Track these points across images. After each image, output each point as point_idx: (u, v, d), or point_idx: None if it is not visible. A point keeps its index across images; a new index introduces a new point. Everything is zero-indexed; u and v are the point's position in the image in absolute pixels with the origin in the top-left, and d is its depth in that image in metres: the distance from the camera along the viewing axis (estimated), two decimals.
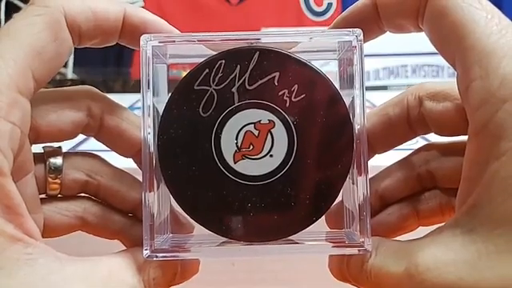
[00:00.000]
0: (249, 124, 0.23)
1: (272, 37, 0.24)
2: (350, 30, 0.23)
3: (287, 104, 0.23)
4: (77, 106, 0.24)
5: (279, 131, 0.23)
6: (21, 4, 0.80)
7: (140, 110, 0.23)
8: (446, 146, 0.25)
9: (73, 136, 0.24)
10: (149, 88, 0.23)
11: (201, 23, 0.83)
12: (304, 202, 0.23)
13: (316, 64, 0.24)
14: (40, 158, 0.24)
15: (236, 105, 0.23)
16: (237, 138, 0.23)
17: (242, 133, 0.23)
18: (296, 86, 0.23)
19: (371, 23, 0.24)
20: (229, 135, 0.23)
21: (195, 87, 0.23)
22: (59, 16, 0.22)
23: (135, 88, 0.78)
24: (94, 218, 0.25)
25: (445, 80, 0.79)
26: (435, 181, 0.25)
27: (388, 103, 0.25)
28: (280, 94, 0.23)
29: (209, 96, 0.23)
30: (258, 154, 0.23)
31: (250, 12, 0.83)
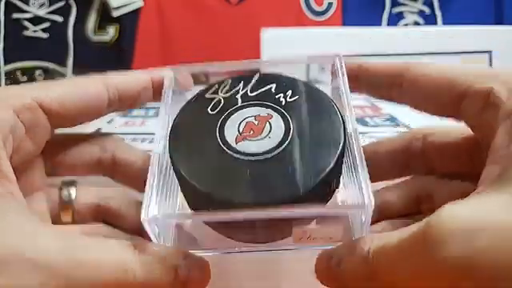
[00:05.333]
0: (250, 117, 0.27)
1: (271, 66, 0.30)
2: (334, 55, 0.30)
3: (283, 103, 0.27)
4: (93, 144, 0.27)
5: (277, 121, 0.26)
6: (21, 4, 0.80)
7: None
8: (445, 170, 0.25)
9: (88, 173, 0.26)
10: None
11: (201, 23, 0.82)
12: (298, 174, 0.25)
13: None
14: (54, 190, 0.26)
15: (239, 105, 0.27)
16: (239, 126, 0.27)
17: (244, 122, 0.27)
18: (290, 91, 0.27)
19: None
20: (232, 125, 0.27)
21: (206, 96, 0.28)
22: (99, 79, 0.25)
23: None
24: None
25: None
26: (433, 203, 0.25)
27: (390, 139, 0.26)
28: (277, 97, 0.27)
29: (217, 101, 0.27)
30: (257, 136, 0.26)
31: (250, 12, 0.83)
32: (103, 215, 0.27)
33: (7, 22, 0.79)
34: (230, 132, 0.26)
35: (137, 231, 0.27)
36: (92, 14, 0.80)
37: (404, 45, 0.87)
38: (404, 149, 0.27)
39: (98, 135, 0.28)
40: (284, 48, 0.84)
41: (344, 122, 0.26)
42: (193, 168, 0.25)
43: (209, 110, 0.27)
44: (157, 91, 0.28)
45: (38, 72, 0.78)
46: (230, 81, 0.29)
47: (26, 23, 0.80)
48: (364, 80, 0.28)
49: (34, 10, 0.80)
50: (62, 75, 0.86)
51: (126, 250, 0.21)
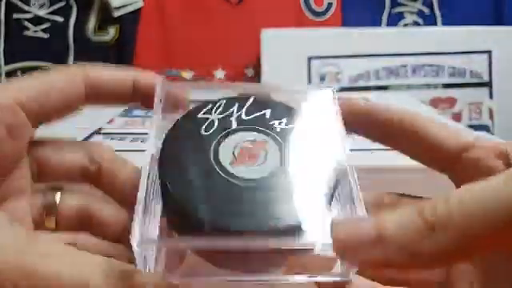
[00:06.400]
0: (245, 141, 0.26)
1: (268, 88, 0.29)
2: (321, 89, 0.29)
3: (278, 130, 0.27)
4: (81, 150, 0.26)
5: (272, 147, 0.26)
6: (21, 4, 0.80)
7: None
8: None
9: (73, 178, 0.26)
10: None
11: (201, 23, 0.83)
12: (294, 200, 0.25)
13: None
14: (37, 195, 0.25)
15: (234, 128, 0.26)
16: (234, 151, 0.26)
17: (239, 147, 0.26)
18: (285, 118, 0.27)
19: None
20: (227, 149, 0.26)
21: (198, 116, 0.27)
22: (77, 72, 0.24)
23: None
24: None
25: (445, 79, 0.79)
26: None
27: None
28: (271, 123, 0.27)
29: (210, 121, 0.27)
30: (253, 163, 0.25)
31: (249, 12, 0.83)
32: (88, 223, 0.26)
33: (8, 23, 0.79)
34: (225, 156, 0.25)
35: (120, 239, 0.26)
36: (92, 15, 0.81)
37: (403, 45, 0.87)
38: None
39: (86, 143, 0.27)
40: (284, 48, 0.84)
41: (338, 156, 0.25)
42: (186, 193, 0.24)
43: (202, 131, 0.26)
44: (144, 95, 0.26)
45: None
46: (224, 101, 0.28)
47: (27, 23, 0.80)
48: (364, 123, 0.27)
49: (35, 10, 0.80)
50: None
51: (93, 269, 0.20)
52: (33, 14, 0.80)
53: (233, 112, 0.27)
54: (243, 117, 0.27)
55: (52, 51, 0.79)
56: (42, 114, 0.23)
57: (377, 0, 0.83)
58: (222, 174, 0.25)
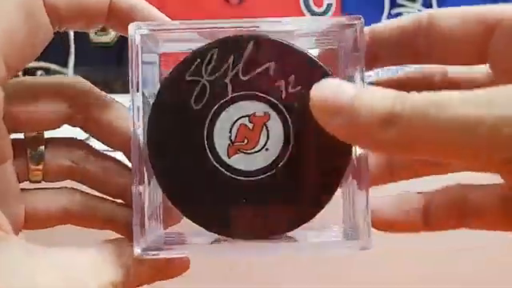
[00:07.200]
0: (243, 117, 0.22)
1: (270, 24, 0.23)
2: (351, 16, 0.22)
3: (283, 95, 0.22)
4: (59, 96, 0.23)
5: (275, 124, 0.22)
6: None
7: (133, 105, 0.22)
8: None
9: (56, 126, 0.24)
10: (138, 79, 0.22)
11: None
12: (301, 198, 0.22)
13: (314, 53, 0.23)
14: (21, 146, 0.23)
15: (230, 97, 0.22)
16: (230, 132, 0.22)
17: (236, 126, 0.22)
18: (293, 76, 0.22)
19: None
20: (222, 129, 0.22)
21: (186, 78, 0.22)
22: (35, 2, 0.20)
23: None
24: (79, 208, 0.24)
25: None
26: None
27: (399, 21, 0.24)
28: (276, 84, 0.22)
29: (201, 87, 0.22)
30: (252, 148, 0.22)
31: (249, 12, 0.83)
32: (79, 179, 0.25)
33: None
34: (221, 139, 0.22)
35: (120, 196, 0.25)
36: None
37: None
38: (405, 35, 0.24)
39: (64, 85, 0.23)
40: None
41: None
42: (179, 192, 0.22)
43: (192, 103, 0.22)
44: (120, 17, 0.22)
45: (39, 72, 0.78)
46: (216, 51, 0.22)
47: None
48: (382, 50, 0.23)
49: None
50: (63, 75, 0.86)
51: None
52: None
53: (228, 69, 0.22)
54: (240, 76, 0.22)
55: (53, 52, 0.79)
56: (14, 68, 0.20)
57: (376, 1, 0.84)
58: (220, 168, 0.22)
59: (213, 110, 0.22)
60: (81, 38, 0.80)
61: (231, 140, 0.22)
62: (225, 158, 0.22)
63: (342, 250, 0.22)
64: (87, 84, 0.24)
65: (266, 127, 0.22)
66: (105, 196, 0.25)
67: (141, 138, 0.22)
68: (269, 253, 0.22)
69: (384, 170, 0.25)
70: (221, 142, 0.22)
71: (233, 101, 0.22)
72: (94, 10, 0.22)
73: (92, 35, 0.81)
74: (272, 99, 0.22)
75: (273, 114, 0.22)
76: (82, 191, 0.25)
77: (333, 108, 0.18)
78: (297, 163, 0.22)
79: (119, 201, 0.25)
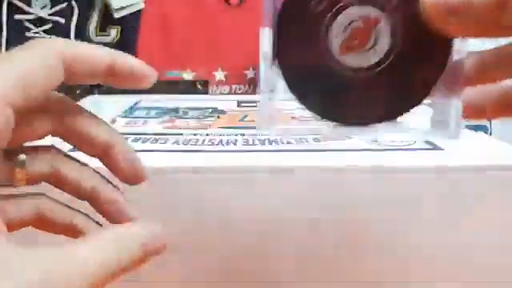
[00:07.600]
0: (356, 20, 0.26)
1: None
2: None
3: (392, 2, 0.25)
4: (47, 118, 0.24)
5: (383, 27, 0.26)
6: (22, 5, 0.80)
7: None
8: None
9: (39, 139, 0.25)
10: None
11: (201, 24, 0.83)
12: (404, 90, 0.26)
13: None
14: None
15: (345, 2, 0.26)
16: (344, 32, 0.26)
17: (350, 27, 0.26)
18: None
19: None
20: (337, 28, 0.26)
21: None
22: (55, 56, 0.22)
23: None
24: (49, 213, 0.25)
25: None
26: None
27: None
28: None
29: None
30: (363, 47, 0.26)
31: (249, 13, 0.83)
32: (56, 180, 0.25)
33: (9, 24, 0.80)
34: (335, 37, 0.26)
35: (88, 197, 0.26)
36: (94, 16, 0.81)
37: None
38: None
39: (54, 105, 0.25)
40: None
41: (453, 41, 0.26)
42: (298, 83, 0.26)
43: (311, 7, 0.25)
44: (118, 76, 0.25)
45: None
46: None
47: (29, 24, 0.80)
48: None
49: (37, 11, 0.80)
50: None
51: None
52: (34, 15, 0.80)
53: None
54: None
55: None
56: (24, 108, 0.22)
57: None
58: (335, 64, 0.26)
59: (330, 13, 0.26)
60: (81, 38, 0.80)
61: (345, 39, 0.26)
62: (337, 56, 0.26)
63: (433, 137, 0.28)
64: (70, 100, 0.25)
65: (376, 29, 0.26)
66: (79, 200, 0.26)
67: (268, 46, 0.26)
68: (371, 135, 0.29)
69: (478, 70, 0.27)
70: (336, 41, 0.26)
71: (348, 4, 0.26)
72: (98, 73, 0.24)
73: (93, 36, 0.81)
74: (383, 5, 0.26)
75: (383, 18, 0.26)
76: (51, 198, 0.26)
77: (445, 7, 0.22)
78: (402, 61, 0.26)
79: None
